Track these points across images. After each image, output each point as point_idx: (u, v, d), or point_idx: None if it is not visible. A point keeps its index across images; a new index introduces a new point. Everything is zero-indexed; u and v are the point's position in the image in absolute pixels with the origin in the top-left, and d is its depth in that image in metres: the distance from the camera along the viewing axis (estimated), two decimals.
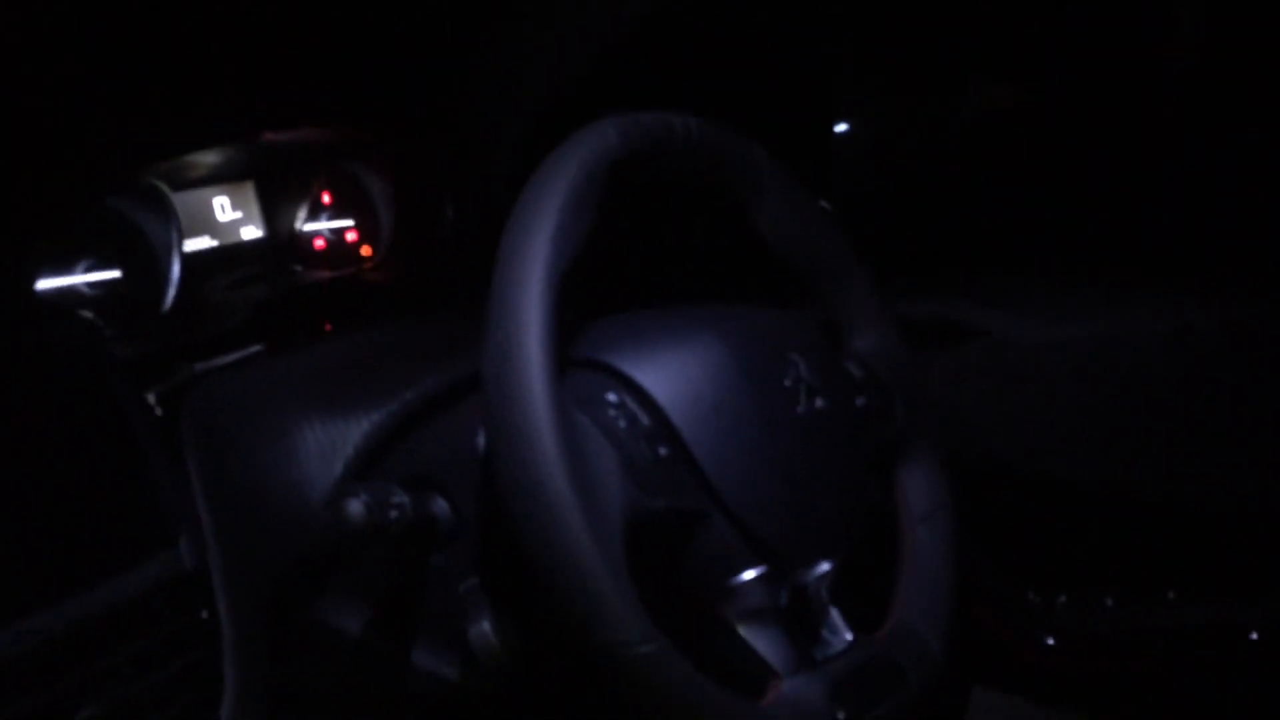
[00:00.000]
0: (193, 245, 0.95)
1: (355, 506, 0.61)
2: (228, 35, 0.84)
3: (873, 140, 1.40)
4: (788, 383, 0.67)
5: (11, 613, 0.51)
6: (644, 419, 0.62)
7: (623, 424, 0.61)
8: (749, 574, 0.65)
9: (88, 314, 0.69)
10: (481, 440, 0.70)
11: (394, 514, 0.64)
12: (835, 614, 0.70)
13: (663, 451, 0.61)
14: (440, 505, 0.72)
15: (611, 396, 0.62)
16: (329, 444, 0.75)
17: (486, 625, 0.66)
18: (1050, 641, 0.95)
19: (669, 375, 0.64)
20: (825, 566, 0.69)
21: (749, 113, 0.89)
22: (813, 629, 0.69)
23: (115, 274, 0.89)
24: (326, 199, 1.09)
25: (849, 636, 0.69)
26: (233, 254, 0.99)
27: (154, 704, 0.53)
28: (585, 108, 0.85)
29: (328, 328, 1.01)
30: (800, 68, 1.30)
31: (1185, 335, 0.90)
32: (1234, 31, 1.18)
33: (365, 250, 1.12)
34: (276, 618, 0.68)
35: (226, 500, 0.65)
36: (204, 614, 0.57)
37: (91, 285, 0.88)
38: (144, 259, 0.92)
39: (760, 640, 0.65)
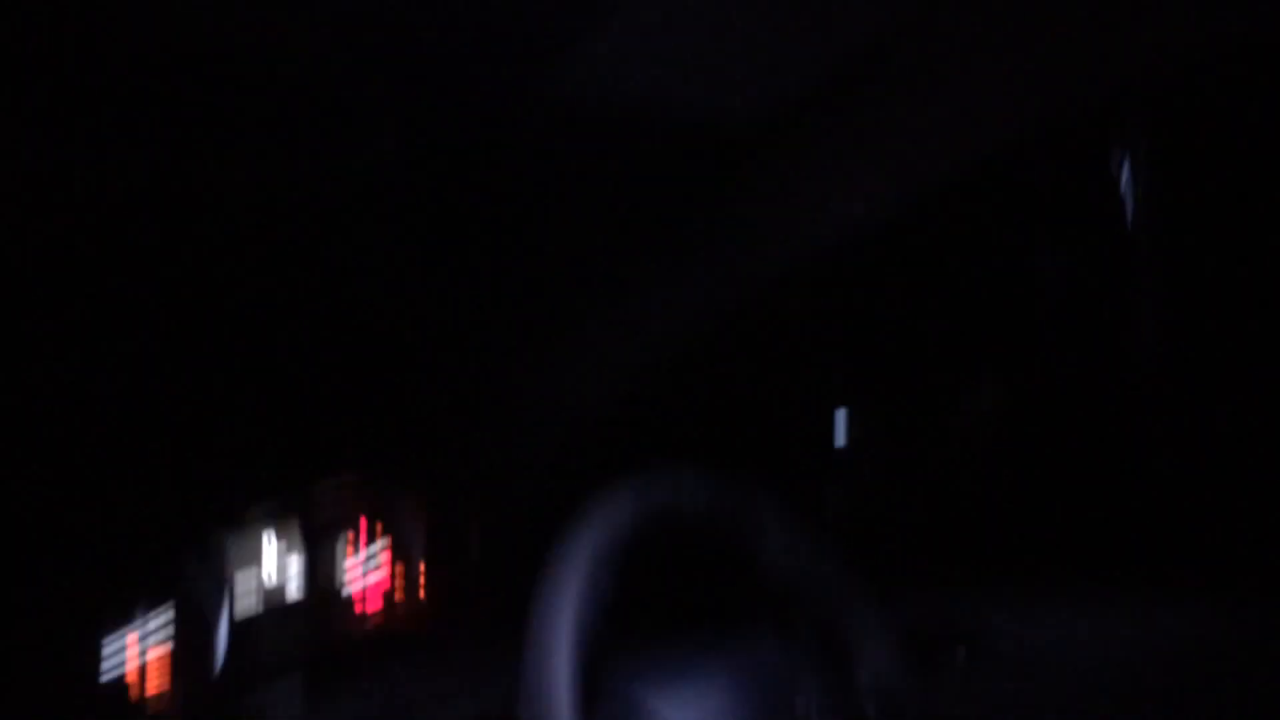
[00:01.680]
0: (242, 609, 1.02)
1: None
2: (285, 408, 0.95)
3: (869, 455, 1.50)
4: (800, 714, 0.72)
5: None
6: None
7: None
8: None
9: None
10: None
11: None
12: None
13: None
14: None
15: None
16: None
17: None
18: None
19: (689, 704, 0.69)
20: None
21: (756, 443, 0.98)
22: None
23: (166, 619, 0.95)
24: (364, 548, 1.17)
25: None
26: (279, 614, 1.05)
27: None
28: (601, 448, 0.96)
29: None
30: (805, 396, 1.42)
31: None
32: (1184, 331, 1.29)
33: (399, 596, 1.19)
34: None
35: None
36: None
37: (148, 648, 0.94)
38: (195, 616, 0.98)
39: None
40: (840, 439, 1.49)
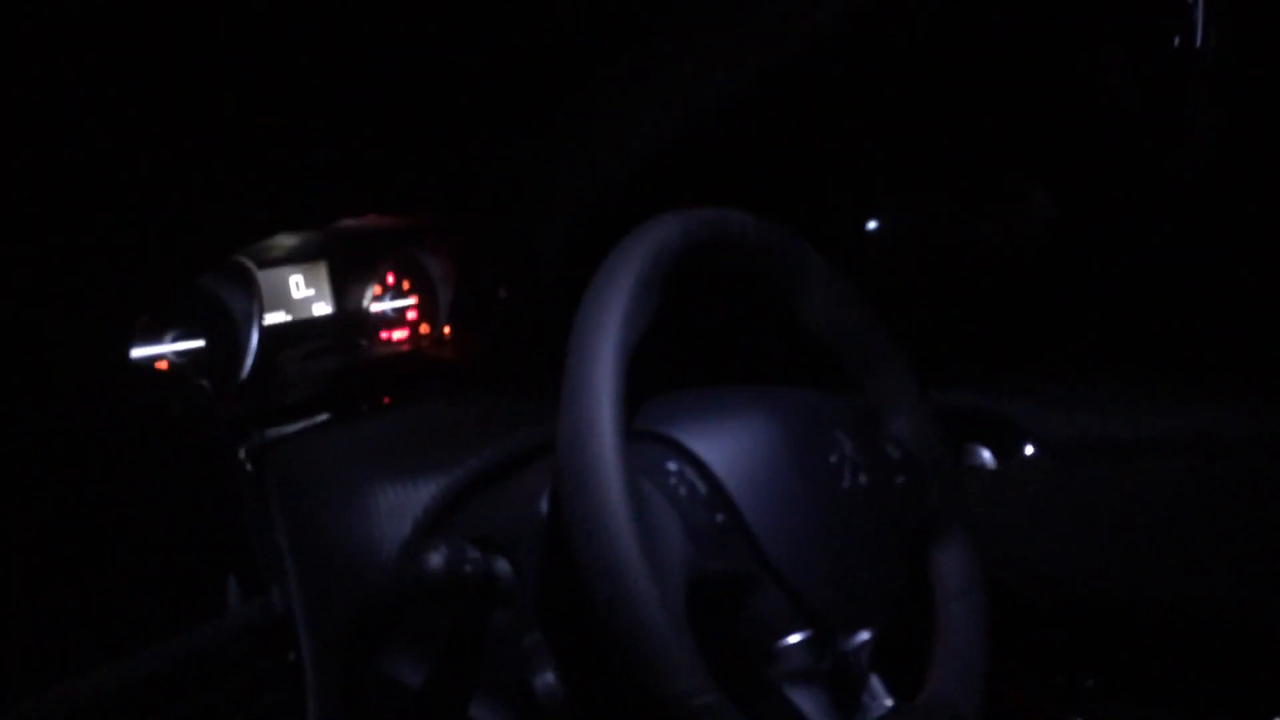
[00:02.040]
0: (271, 319, 1.03)
1: (436, 560, 0.66)
2: (312, 132, 0.92)
3: (901, 237, 1.47)
4: (833, 459, 0.72)
5: (119, 649, 0.56)
6: (701, 488, 0.67)
7: (683, 491, 0.66)
8: (794, 638, 0.69)
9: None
10: (545, 504, 0.75)
11: (469, 568, 0.68)
12: (875, 680, 0.73)
13: (719, 518, 0.66)
14: (502, 565, 0.77)
15: (672, 465, 0.68)
16: (398, 505, 0.80)
17: (551, 676, 0.70)
18: None
19: (725, 448, 0.69)
20: (866, 634, 0.73)
21: (788, 209, 0.95)
22: (853, 693, 0.73)
23: (200, 344, 0.96)
24: (391, 280, 1.17)
25: (888, 702, 0.72)
26: (306, 328, 1.06)
27: None
28: (632, 203, 0.93)
29: (386, 401, 1.07)
30: (838, 168, 1.38)
31: (1215, 447, 0.94)
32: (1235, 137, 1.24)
33: (424, 328, 1.19)
34: (349, 667, 0.72)
35: (308, 552, 0.70)
36: (291, 656, 0.62)
37: (178, 354, 0.94)
38: (226, 331, 0.99)
39: (804, 700, 0.68)
40: (873, 223, 1.46)
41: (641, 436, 0.70)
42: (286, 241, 1.04)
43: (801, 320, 0.82)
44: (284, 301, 1.05)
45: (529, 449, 0.85)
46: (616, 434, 0.60)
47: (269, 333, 1.01)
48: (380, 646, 0.81)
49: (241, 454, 0.76)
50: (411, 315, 1.18)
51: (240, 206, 0.91)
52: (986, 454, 1.12)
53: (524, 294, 1.17)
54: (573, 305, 0.67)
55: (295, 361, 1.03)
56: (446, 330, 1.20)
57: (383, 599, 0.78)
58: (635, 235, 0.69)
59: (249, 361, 0.98)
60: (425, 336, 1.19)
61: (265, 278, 1.02)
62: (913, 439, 0.82)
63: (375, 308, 1.15)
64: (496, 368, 1.14)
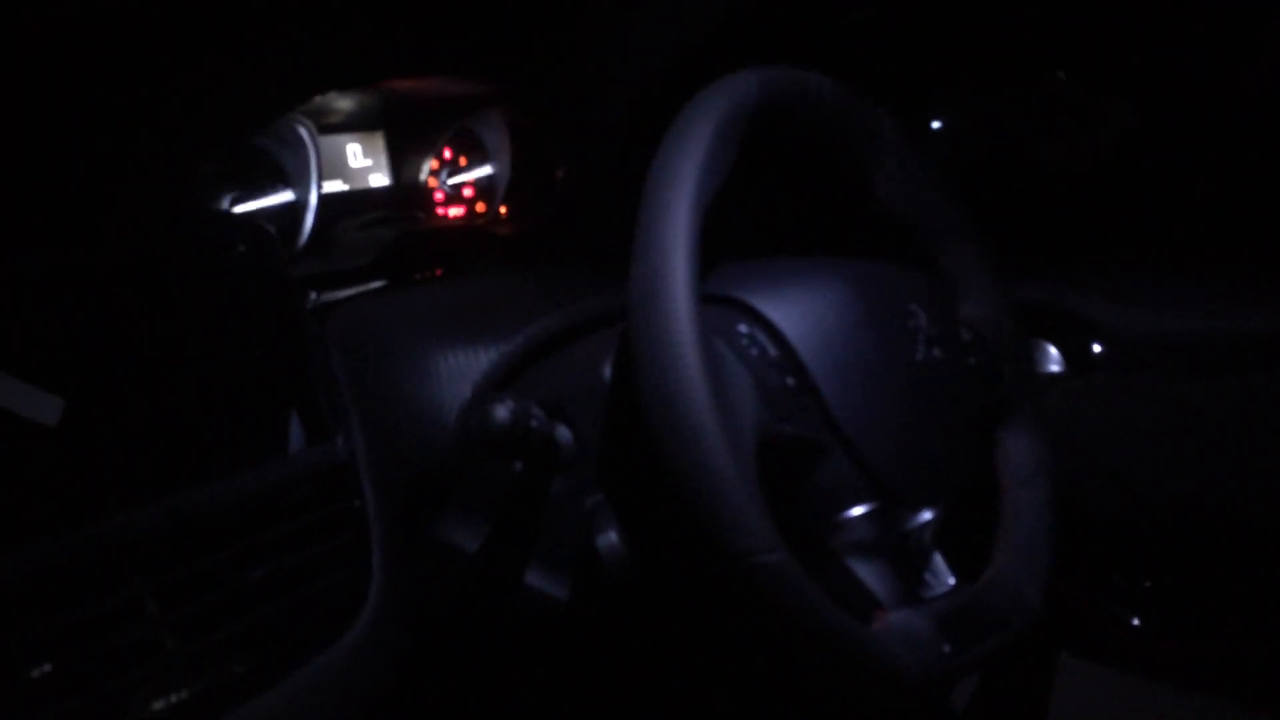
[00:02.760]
0: (329, 188, 1.01)
1: (502, 412, 0.65)
2: None
3: (967, 138, 1.42)
4: (908, 330, 0.70)
5: (182, 484, 0.55)
6: (773, 351, 0.65)
7: (754, 353, 0.64)
8: (860, 509, 0.67)
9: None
10: (608, 370, 0.74)
11: (534, 423, 0.67)
12: (938, 558, 0.72)
13: (790, 382, 0.65)
14: (563, 433, 0.76)
15: (742, 328, 0.66)
16: (459, 368, 0.79)
17: (614, 535, 0.69)
18: (1136, 622, 0.96)
19: (798, 312, 0.67)
20: (931, 512, 0.71)
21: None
22: (915, 570, 0.71)
23: (260, 205, 0.95)
24: (448, 154, 1.14)
25: (951, 581, 0.71)
26: (362, 198, 1.04)
27: (311, 577, 0.57)
28: (693, 76, 0.88)
29: (439, 273, 1.05)
30: (900, 60, 1.32)
31: None
32: None
33: (481, 206, 1.17)
34: (409, 527, 0.72)
35: (371, 409, 0.69)
36: (356, 503, 0.62)
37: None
38: (284, 196, 0.97)
39: (866, 573, 0.67)
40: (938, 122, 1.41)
41: (709, 300, 0.68)
42: (343, 106, 1.02)
43: (875, 192, 0.78)
44: (341, 170, 1.04)
45: (590, 318, 0.84)
46: (690, 285, 0.58)
47: (326, 200, 0.99)
48: (438, 511, 0.81)
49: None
50: (468, 192, 1.16)
51: (293, 57, 0.88)
52: (1052, 350, 1.08)
53: (583, 173, 1.14)
54: (631, 185, 0.65)
55: (352, 230, 1.02)
56: (503, 209, 1.18)
57: (443, 461, 0.78)
58: (712, 88, 0.66)
59: (307, 227, 0.97)
60: (481, 215, 1.17)
61: (323, 145, 1.00)
62: (986, 322, 0.80)
63: (432, 182, 1.13)
64: (554, 247, 1.12)
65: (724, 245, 0.75)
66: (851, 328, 0.67)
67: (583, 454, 0.75)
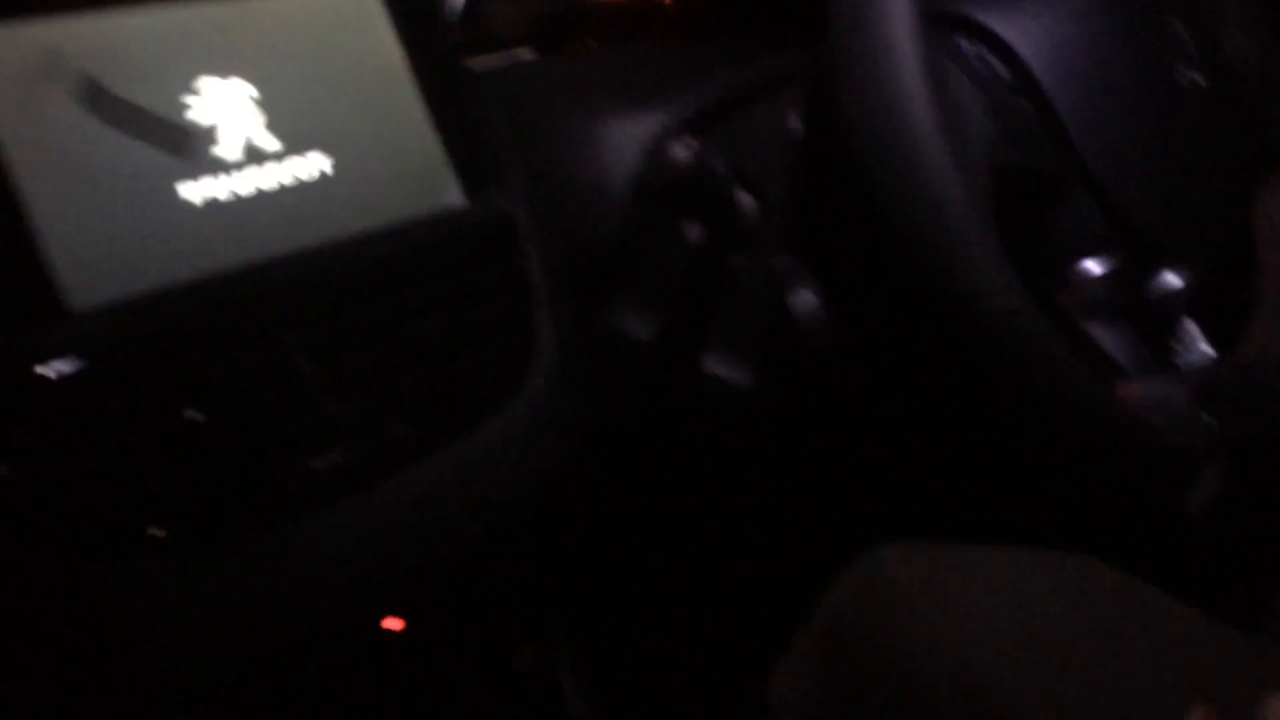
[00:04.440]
0: None
1: (680, 150, 0.57)
2: None
3: None
4: (1165, 48, 0.58)
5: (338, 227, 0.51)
6: (1004, 73, 0.55)
7: (984, 73, 0.54)
8: (1098, 262, 0.57)
9: None
10: (796, 121, 0.65)
11: (718, 166, 0.60)
12: (1193, 326, 0.62)
13: (1026, 106, 0.54)
14: (745, 199, 0.68)
15: (966, 45, 0.55)
16: (626, 137, 0.72)
17: (810, 294, 0.62)
18: None
19: (1033, 28, 0.56)
20: (1185, 272, 0.61)
21: None
22: (1162, 337, 0.61)
23: None
24: None
25: (1208, 349, 0.61)
26: None
27: (474, 341, 0.52)
28: None
29: (596, 47, 0.97)
30: None
31: None
32: None
33: None
34: (576, 310, 0.66)
35: (530, 167, 0.63)
36: (519, 263, 0.56)
37: None
38: None
39: (1105, 336, 0.58)
40: None
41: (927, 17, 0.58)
42: None
43: None
44: None
45: (772, 76, 0.74)
46: None
47: None
48: (608, 297, 0.76)
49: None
50: None
51: None
52: None
53: None
54: None
55: (504, 2, 0.94)
56: None
57: (610, 236, 0.71)
58: None
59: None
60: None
61: None
62: (1254, 50, 0.66)
63: None
64: (724, 16, 1.01)
65: None
66: (1098, 45, 0.56)
67: (768, 221, 0.67)
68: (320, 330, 0.48)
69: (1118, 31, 0.56)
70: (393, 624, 0.58)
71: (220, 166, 0.47)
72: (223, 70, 0.49)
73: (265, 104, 0.50)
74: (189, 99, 0.48)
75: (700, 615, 0.89)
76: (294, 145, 0.50)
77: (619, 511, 0.83)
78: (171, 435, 0.43)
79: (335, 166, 0.51)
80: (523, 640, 0.65)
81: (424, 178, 0.54)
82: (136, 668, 0.45)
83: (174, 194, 0.46)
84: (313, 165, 0.51)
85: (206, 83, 0.48)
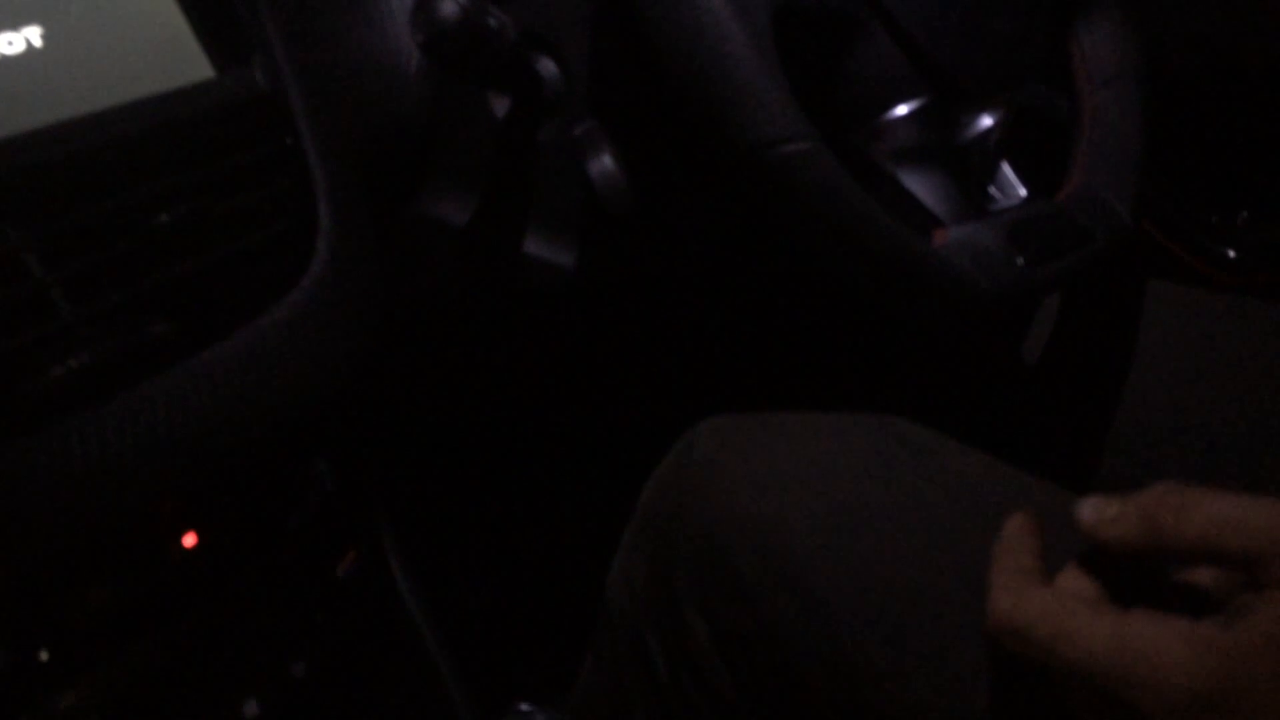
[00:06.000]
0: None
1: (449, 6, 0.53)
2: None
3: None
4: None
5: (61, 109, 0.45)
6: None
7: None
8: (906, 107, 0.55)
9: None
10: None
11: (493, 23, 0.55)
12: (1006, 168, 0.60)
13: None
14: (547, 67, 0.63)
15: None
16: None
17: (608, 158, 0.58)
18: (1231, 255, 0.84)
19: None
20: (994, 112, 0.59)
21: None
22: (979, 183, 0.60)
23: None
24: None
25: (1023, 192, 0.60)
26: None
27: (236, 228, 0.47)
28: None
29: None
30: None
31: None
32: None
33: None
34: (375, 199, 0.61)
35: (299, 33, 0.57)
36: (288, 141, 0.51)
37: None
38: None
39: (917, 185, 0.56)
40: None
41: None
42: None
43: None
44: None
45: None
46: None
47: None
48: (418, 183, 0.71)
49: None
50: None
51: None
52: None
53: None
54: None
55: None
56: None
57: (410, 117, 0.66)
58: None
59: None
60: None
61: None
62: None
63: None
64: None
65: None
66: None
67: (571, 87, 0.63)
68: (48, 224, 0.43)
69: None
70: (189, 539, 0.54)
71: None
72: None
73: None
74: None
75: (532, 510, 0.87)
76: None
77: (444, 405, 0.80)
78: None
79: (49, 38, 0.45)
80: (346, 545, 0.62)
81: (163, 49, 0.49)
82: None
83: None
84: (23, 38, 0.45)
85: None
